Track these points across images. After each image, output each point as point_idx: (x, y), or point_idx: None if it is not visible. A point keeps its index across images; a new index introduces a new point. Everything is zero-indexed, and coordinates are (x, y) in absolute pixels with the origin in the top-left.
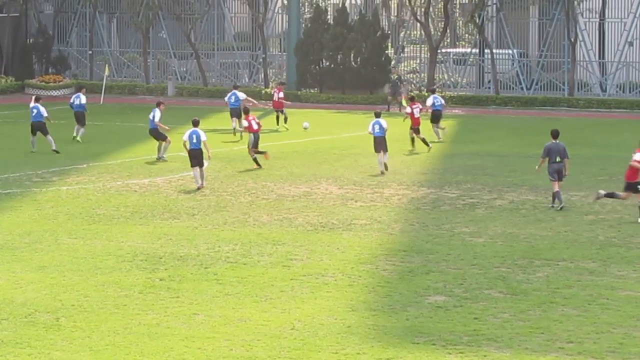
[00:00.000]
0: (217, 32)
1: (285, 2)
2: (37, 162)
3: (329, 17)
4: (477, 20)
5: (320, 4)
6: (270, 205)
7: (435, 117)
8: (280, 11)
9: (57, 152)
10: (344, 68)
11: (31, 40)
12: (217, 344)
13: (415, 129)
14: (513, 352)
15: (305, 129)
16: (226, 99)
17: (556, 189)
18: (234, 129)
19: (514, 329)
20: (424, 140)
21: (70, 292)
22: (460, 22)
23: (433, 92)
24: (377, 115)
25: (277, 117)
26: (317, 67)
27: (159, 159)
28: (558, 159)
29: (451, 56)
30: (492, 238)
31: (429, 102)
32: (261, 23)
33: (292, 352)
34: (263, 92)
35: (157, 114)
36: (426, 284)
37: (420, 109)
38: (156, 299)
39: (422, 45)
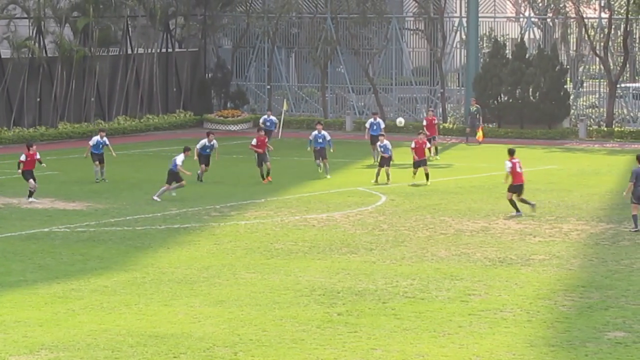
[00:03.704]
0: (395, 67)
1: (464, 36)
2: (216, 197)
3: (507, 51)
4: None
5: (499, 39)
6: (448, 240)
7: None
8: (458, 46)
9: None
10: (523, 102)
11: (210, 75)
12: None
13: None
14: None
15: (399, 124)
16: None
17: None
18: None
19: None
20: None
21: (248, 326)
22: None
23: None
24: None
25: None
26: (495, 101)
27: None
28: None
29: (630, 91)
30: None
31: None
32: (439, 58)
33: None
34: (442, 126)
35: (179, 158)
36: (605, 320)
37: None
38: (334, 334)
39: (601, 80)
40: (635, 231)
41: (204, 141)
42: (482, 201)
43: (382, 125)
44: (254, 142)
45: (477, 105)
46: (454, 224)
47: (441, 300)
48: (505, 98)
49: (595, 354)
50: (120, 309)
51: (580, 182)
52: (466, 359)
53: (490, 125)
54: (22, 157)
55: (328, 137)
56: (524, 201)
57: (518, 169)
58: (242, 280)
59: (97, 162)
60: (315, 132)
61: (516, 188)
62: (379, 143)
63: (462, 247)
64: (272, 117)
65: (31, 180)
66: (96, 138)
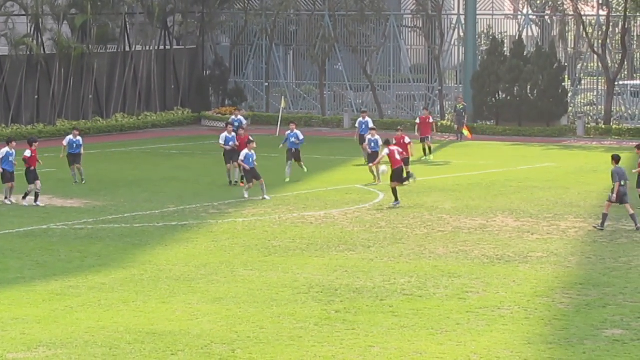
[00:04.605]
0: (393, 64)
1: (462, 34)
2: (213, 194)
3: (505, 49)
4: None
5: (497, 36)
6: (446, 237)
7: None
8: (456, 43)
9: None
10: (521, 100)
11: (208, 72)
12: None
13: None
14: None
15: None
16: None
17: (631, 211)
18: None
19: None
20: None
21: (246, 323)
22: (638, 53)
23: None
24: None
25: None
26: (493, 99)
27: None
28: (623, 182)
29: (629, 88)
30: None
31: None
32: (437, 55)
33: None
34: (439, 124)
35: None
36: (603, 318)
37: None
38: (332, 331)
39: (599, 78)
40: (600, 229)
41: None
42: (479, 199)
43: (371, 125)
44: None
45: (464, 103)
46: (452, 221)
47: (439, 297)
48: (503, 95)
49: (593, 351)
50: (118, 307)
51: (578, 179)
52: (464, 357)
53: (488, 123)
54: (27, 153)
55: (301, 137)
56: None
57: (397, 156)
58: (240, 278)
59: (73, 164)
60: (289, 131)
61: (396, 174)
62: (369, 137)
63: (460, 244)
64: (240, 117)
65: (38, 182)
66: (69, 137)
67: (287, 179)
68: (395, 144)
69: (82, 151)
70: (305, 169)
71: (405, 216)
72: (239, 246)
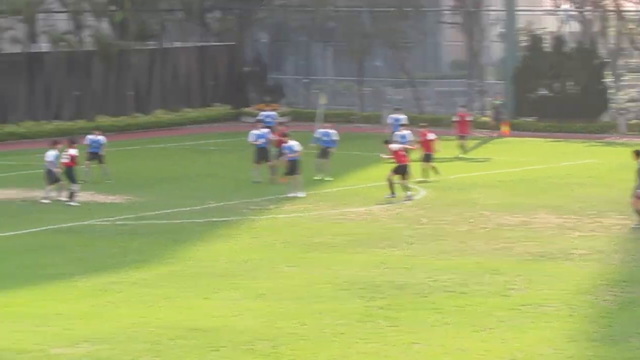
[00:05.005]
0: (432, 61)
1: (502, 30)
2: (254, 190)
3: (546, 45)
4: None
5: (537, 32)
6: (488, 234)
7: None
8: (496, 39)
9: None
10: (562, 96)
11: (247, 68)
12: None
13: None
14: None
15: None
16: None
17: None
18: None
19: None
20: None
21: (288, 320)
22: None
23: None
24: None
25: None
26: (534, 95)
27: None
28: None
29: None
30: None
31: None
32: (477, 51)
33: None
34: (479, 120)
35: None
36: None
37: None
38: (374, 328)
39: None
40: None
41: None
42: (521, 195)
43: (404, 121)
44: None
45: (501, 99)
46: (494, 218)
47: (482, 294)
48: (544, 92)
49: (638, 349)
50: (159, 302)
51: (620, 176)
52: (507, 354)
53: (529, 119)
54: (74, 152)
55: (334, 137)
56: (405, 186)
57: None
58: (282, 274)
59: (89, 161)
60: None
61: (400, 169)
62: (399, 133)
63: (502, 241)
64: (271, 113)
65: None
66: (89, 136)
67: (319, 177)
68: (420, 140)
69: (102, 151)
70: (323, 177)
71: (447, 213)
72: (280, 242)
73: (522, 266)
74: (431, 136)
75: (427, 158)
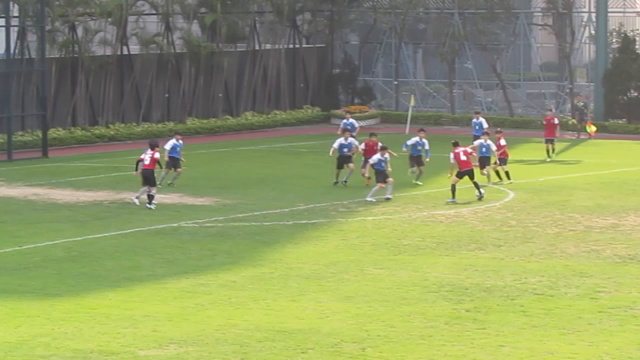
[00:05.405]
0: (523, 62)
1: (593, 32)
2: (343, 192)
3: (637, 46)
4: None
5: (629, 34)
6: (577, 236)
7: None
8: (587, 41)
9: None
10: None
11: (337, 70)
12: None
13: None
14: None
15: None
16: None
17: None
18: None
19: None
20: None
21: (376, 322)
22: None
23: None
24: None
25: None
26: (624, 97)
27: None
28: None
29: None
30: None
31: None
32: (568, 53)
33: None
34: (570, 122)
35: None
36: None
37: None
38: (462, 330)
39: None
40: None
41: (341, 140)
42: (611, 197)
43: (485, 125)
44: (362, 146)
45: (584, 101)
46: (583, 220)
47: (570, 297)
48: (635, 94)
49: None
50: (248, 304)
51: None
52: (596, 357)
53: (620, 122)
54: (157, 155)
55: (427, 146)
56: (476, 185)
57: (462, 157)
58: (370, 276)
59: (172, 168)
60: (417, 138)
61: (463, 174)
62: (481, 141)
63: (592, 243)
64: (352, 121)
65: (153, 187)
66: (173, 141)
67: (416, 181)
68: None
69: (180, 156)
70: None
71: (536, 215)
72: (369, 244)
73: (611, 269)
74: (503, 142)
75: (502, 162)
